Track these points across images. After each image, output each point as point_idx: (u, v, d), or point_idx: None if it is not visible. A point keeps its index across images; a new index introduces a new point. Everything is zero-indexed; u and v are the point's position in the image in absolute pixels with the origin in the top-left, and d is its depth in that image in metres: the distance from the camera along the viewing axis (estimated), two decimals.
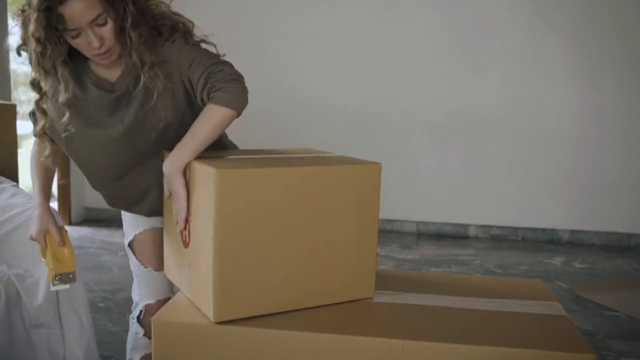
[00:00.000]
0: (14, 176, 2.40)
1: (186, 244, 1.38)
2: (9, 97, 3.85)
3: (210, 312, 1.27)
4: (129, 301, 2.93)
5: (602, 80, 4.34)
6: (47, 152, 1.57)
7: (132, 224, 1.70)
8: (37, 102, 1.47)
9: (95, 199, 4.68)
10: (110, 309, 2.88)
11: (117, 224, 4.49)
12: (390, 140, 4.53)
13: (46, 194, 1.59)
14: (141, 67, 1.40)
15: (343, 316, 1.37)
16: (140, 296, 1.73)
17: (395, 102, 4.48)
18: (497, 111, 4.45)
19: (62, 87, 1.41)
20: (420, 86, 4.49)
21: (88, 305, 2.03)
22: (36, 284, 1.89)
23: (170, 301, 1.40)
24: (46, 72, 1.40)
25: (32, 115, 1.59)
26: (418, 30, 4.44)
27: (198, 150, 1.36)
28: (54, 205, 4.56)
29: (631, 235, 4.42)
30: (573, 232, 4.49)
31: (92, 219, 4.66)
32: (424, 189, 4.58)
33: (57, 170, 1.69)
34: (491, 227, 4.56)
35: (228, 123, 1.40)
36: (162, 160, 1.42)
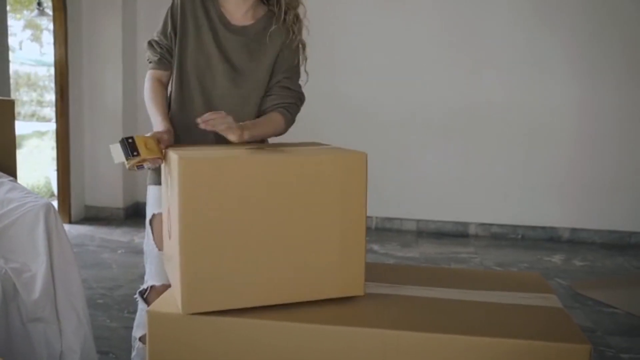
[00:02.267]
0: (12, 172, 2.40)
1: (169, 236, 1.38)
2: (8, 95, 3.85)
3: (179, 304, 1.27)
4: (127, 298, 2.95)
5: (601, 79, 4.33)
6: (162, 80, 1.74)
7: (154, 203, 1.72)
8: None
9: (95, 198, 4.71)
10: (109, 305, 2.88)
11: (116, 222, 4.52)
12: (390, 138, 4.53)
13: (167, 117, 1.66)
14: (283, 15, 1.70)
15: (335, 307, 1.35)
16: (149, 275, 1.74)
17: (395, 100, 4.48)
18: (497, 110, 4.45)
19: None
20: (420, 84, 4.48)
21: (85, 299, 2.02)
22: (33, 278, 1.88)
23: (164, 293, 1.40)
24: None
25: (153, 43, 1.75)
26: (418, 29, 4.45)
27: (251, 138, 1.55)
28: (54, 203, 4.57)
29: (632, 233, 4.41)
30: (573, 230, 4.48)
31: (91, 217, 4.66)
32: (424, 187, 4.57)
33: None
34: (491, 225, 4.56)
35: (273, 136, 1.70)
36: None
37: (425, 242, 4.31)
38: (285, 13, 1.71)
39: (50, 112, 11.78)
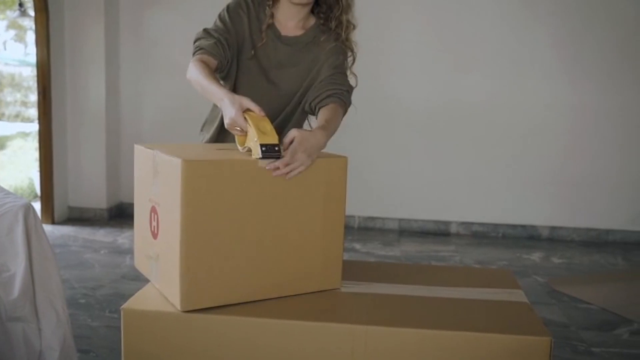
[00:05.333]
0: None
1: (155, 235, 1.41)
2: None
3: (177, 302, 1.30)
4: (109, 297, 2.97)
5: (582, 79, 4.40)
6: (209, 64, 1.63)
7: None
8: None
9: (78, 198, 4.71)
10: (90, 304, 2.89)
11: (99, 222, 4.53)
12: (373, 137, 4.57)
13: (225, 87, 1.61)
14: (345, 29, 1.72)
15: (310, 304, 1.40)
16: None
17: (377, 99, 4.50)
18: (479, 109, 4.50)
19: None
20: (402, 83, 4.53)
21: (64, 298, 2.04)
22: (12, 278, 1.90)
23: (139, 291, 1.43)
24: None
25: (210, 31, 1.68)
26: (401, 27, 4.49)
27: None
28: (37, 204, 4.57)
29: (609, 231, 4.49)
30: (552, 228, 4.55)
31: (75, 218, 4.66)
32: (407, 187, 4.62)
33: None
34: (472, 224, 4.62)
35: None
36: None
37: (407, 241, 4.36)
38: (344, 30, 1.74)
39: (34, 113, 11.71)
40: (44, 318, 1.96)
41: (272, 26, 1.72)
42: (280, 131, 1.74)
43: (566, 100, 4.43)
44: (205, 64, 1.60)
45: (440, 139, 4.57)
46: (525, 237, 4.55)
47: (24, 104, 13.25)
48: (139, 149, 1.53)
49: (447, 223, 4.64)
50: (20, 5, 5.34)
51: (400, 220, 4.66)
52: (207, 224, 1.30)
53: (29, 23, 8.27)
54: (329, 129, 1.54)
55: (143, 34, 4.69)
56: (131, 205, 4.96)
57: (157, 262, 1.42)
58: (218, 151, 1.49)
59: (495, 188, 4.57)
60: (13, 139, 9.87)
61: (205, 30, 1.69)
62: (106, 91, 4.57)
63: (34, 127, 9.39)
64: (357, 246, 4.13)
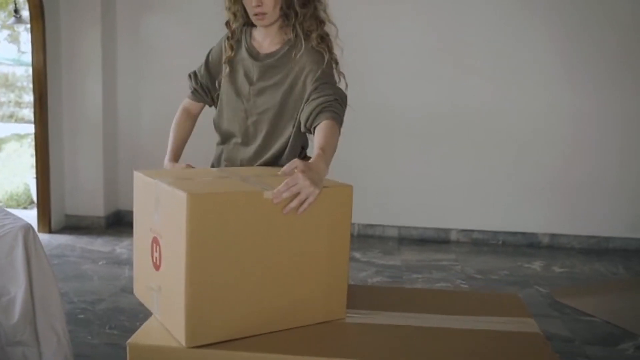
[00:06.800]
0: None
1: (157, 267, 1.38)
2: None
3: (182, 338, 1.27)
4: (109, 312, 2.93)
5: (583, 84, 4.38)
6: (192, 110, 1.94)
7: None
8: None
9: (75, 206, 4.67)
10: (90, 320, 2.85)
11: (97, 231, 4.48)
12: (372, 144, 4.54)
13: (175, 155, 1.87)
14: (305, 37, 1.72)
15: (315, 338, 1.37)
16: None
17: (376, 106, 4.47)
18: (478, 116, 4.48)
19: (231, 43, 1.80)
20: (400, 89, 4.49)
21: (65, 320, 2.01)
22: (12, 302, 1.87)
23: (144, 324, 1.40)
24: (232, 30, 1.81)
25: (192, 75, 1.92)
26: (400, 31, 4.45)
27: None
28: (34, 212, 4.53)
29: (609, 238, 4.48)
30: (553, 236, 4.54)
31: (72, 227, 4.62)
32: (406, 194, 4.60)
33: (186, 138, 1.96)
34: (472, 231, 4.60)
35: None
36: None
37: (407, 249, 4.34)
38: (308, 37, 1.74)
39: (29, 112, 11.62)
40: (44, 341, 1.94)
41: (251, 48, 1.79)
42: (279, 154, 1.73)
43: (566, 105, 4.41)
44: (185, 113, 1.93)
45: (439, 145, 4.54)
46: (525, 244, 4.54)
47: (18, 104, 13.16)
48: (138, 177, 1.49)
49: (447, 230, 4.62)
50: (16, 11, 5.28)
51: (400, 227, 4.64)
52: (212, 257, 1.27)
53: (24, 26, 8.19)
54: (328, 153, 1.54)
55: (140, 39, 4.65)
56: (129, 213, 4.94)
57: (159, 294, 1.39)
58: (221, 180, 1.46)
59: (494, 195, 4.55)
60: (8, 141, 9.79)
61: (189, 75, 1.92)
62: (103, 97, 4.53)
63: (29, 128, 9.33)
64: (357, 255, 4.11)
